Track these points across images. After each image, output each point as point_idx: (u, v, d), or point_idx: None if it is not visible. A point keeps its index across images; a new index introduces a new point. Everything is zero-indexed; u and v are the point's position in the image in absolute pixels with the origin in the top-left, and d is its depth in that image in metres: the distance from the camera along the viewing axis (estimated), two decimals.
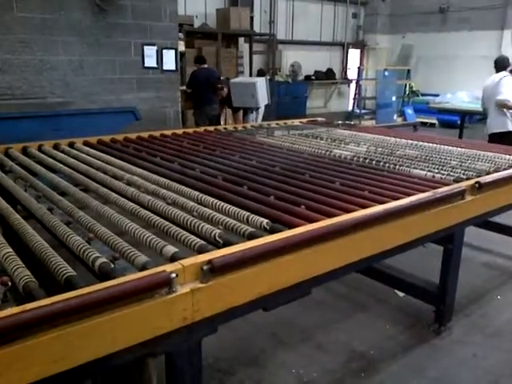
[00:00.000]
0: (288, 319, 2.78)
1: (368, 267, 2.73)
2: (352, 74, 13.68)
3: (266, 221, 1.93)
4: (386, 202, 2.22)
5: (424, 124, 11.24)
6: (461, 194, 2.48)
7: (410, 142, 3.99)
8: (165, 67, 5.62)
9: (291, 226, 1.91)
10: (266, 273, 1.65)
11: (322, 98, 13.92)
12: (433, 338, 2.68)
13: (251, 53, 10.56)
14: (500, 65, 5.60)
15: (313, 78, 12.98)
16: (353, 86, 13.30)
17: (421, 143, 3.92)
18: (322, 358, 2.47)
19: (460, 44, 12.74)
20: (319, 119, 5.42)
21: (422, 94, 12.70)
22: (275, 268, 1.68)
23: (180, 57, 6.29)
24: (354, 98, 11.76)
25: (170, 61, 5.64)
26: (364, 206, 2.17)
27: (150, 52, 5.44)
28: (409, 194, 2.36)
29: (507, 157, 3.38)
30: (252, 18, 10.91)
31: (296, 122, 5.11)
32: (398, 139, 4.11)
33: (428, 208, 2.29)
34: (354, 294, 3.16)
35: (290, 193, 2.39)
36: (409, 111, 10.96)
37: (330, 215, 2.04)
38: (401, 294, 3.09)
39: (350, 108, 13.03)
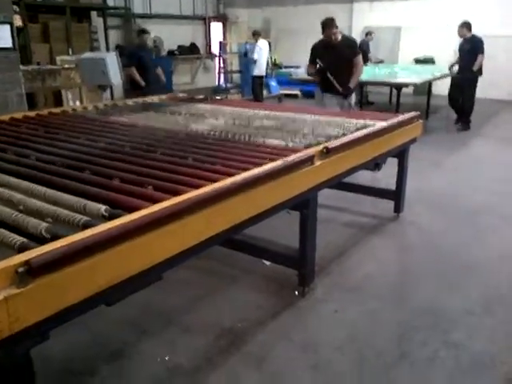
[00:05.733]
0: (151, 305, 2.65)
1: (230, 240, 2.69)
2: (216, 48, 13.58)
3: (105, 207, 1.76)
4: (237, 175, 2.18)
5: (288, 96, 11.62)
6: (310, 160, 2.53)
7: (267, 112, 4.02)
8: None
9: (134, 210, 1.76)
10: (104, 264, 1.49)
11: (189, 73, 13.63)
12: (298, 301, 2.76)
13: (106, 28, 9.88)
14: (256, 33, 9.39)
15: (176, 53, 12.63)
16: (221, 60, 13.23)
17: (278, 113, 3.97)
18: (189, 341, 2.39)
19: (315, 17, 13.26)
20: (180, 95, 5.25)
21: (285, 67, 13.07)
22: (114, 258, 1.53)
23: (17, 32, 5.59)
24: (219, 73, 11.70)
25: (4, 37, 4.97)
26: (215, 181, 2.10)
27: None
28: (261, 165, 2.34)
29: (354, 121, 3.56)
30: None
31: (155, 98, 4.89)
32: (256, 111, 4.11)
33: (279, 176, 2.29)
34: (221, 268, 3.13)
35: (137, 174, 2.22)
36: (272, 84, 11.20)
37: (178, 193, 1.94)
38: (267, 263, 3.13)
39: (220, 82, 12.98)
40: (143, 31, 6.54)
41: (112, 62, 4.68)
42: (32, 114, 3.86)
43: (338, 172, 2.86)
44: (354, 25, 13.09)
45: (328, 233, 3.51)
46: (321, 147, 2.68)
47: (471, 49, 7.38)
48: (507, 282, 2.99)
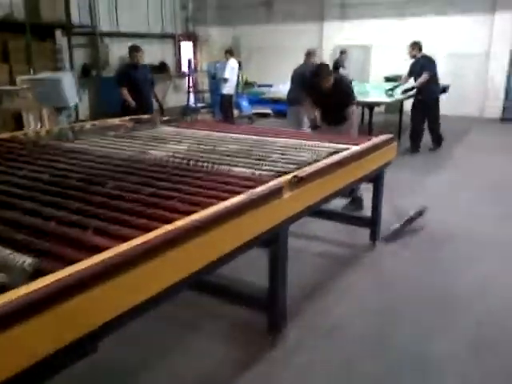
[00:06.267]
0: (100, 361, 2.30)
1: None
2: (187, 67, 13.34)
3: (30, 261, 1.45)
4: (196, 212, 1.91)
5: (260, 115, 11.44)
6: (278, 192, 2.27)
7: (235, 135, 3.79)
8: None
9: (67, 262, 1.47)
10: (19, 341, 1.19)
11: (160, 92, 13.29)
12: (268, 351, 2.46)
13: (70, 46, 9.53)
14: (229, 51, 9.25)
15: None
16: (191, 79, 12.99)
17: (246, 136, 3.74)
18: None
19: (287, 36, 13.26)
20: (143, 116, 4.96)
21: (259, 85, 12.93)
22: (33, 331, 1.22)
23: None
24: (188, 92, 11.45)
25: None
26: (170, 221, 1.82)
27: None
28: (224, 199, 2.08)
29: (327, 145, 3.35)
30: (68, 7, 9.81)
31: (116, 120, 4.59)
32: (223, 134, 3.88)
33: (243, 213, 2.02)
34: (182, 313, 2.77)
35: (79, 213, 1.93)
36: (244, 103, 11.01)
37: (124, 238, 1.65)
38: None
39: (190, 102, 12.70)
40: (135, 48, 6.14)
41: (68, 82, 4.37)
42: None
43: (309, 203, 2.61)
44: (325, 44, 13.11)
45: (300, 266, 3.25)
46: (290, 176, 2.43)
47: (421, 68, 7.14)
48: (492, 321, 2.77)
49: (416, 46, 7.23)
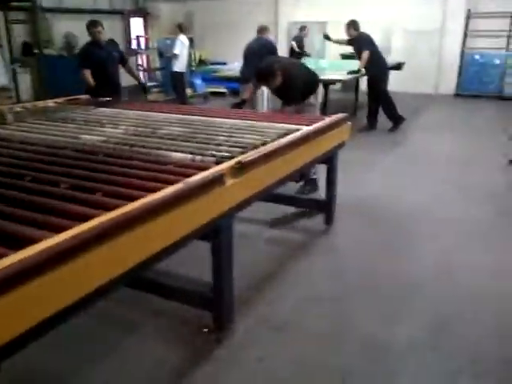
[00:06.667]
0: (37, 366, 2.07)
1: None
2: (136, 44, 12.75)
3: None
4: (122, 206, 1.68)
5: (216, 94, 11.10)
6: (219, 180, 2.06)
7: (180, 116, 3.54)
8: None
9: None
10: None
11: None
12: (214, 349, 2.27)
13: (7, 22, 8.84)
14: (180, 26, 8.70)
15: None
16: (141, 57, 12.43)
17: (192, 117, 3.50)
18: None
19: (242, 12, 12.87)
20: (82, 97, 4.60)
21: (213, 63, 12.52)
22: None
23: None
24: (137, 70, 10.92)
25: None
26: (87, 218, 1.58)
27: None
28: (156, 190, 1.85)
29: (277, 126, 3.16)
30: None
31: (50, 102, 4.22)
32: (168, 115, 3.62)
33: (178, 205, 1.81)
34: (120, 311, 2.54)
35: None
36: (197, 81, 10.62)
37: (32, 241, 1.41)
38: None
39: (141, 81, 12.15)
40: (93, 24, 5.46)
41: None
42: None
43: (256, 190, 2.42)
44: (280, 20, 12.83)
45: (248, 253, 3.07)
46: (233, 162, 2.23)
47: (359, 48, 7.01)
48: (450, 303, 2.69)
49: (352, 24, 6.97)
